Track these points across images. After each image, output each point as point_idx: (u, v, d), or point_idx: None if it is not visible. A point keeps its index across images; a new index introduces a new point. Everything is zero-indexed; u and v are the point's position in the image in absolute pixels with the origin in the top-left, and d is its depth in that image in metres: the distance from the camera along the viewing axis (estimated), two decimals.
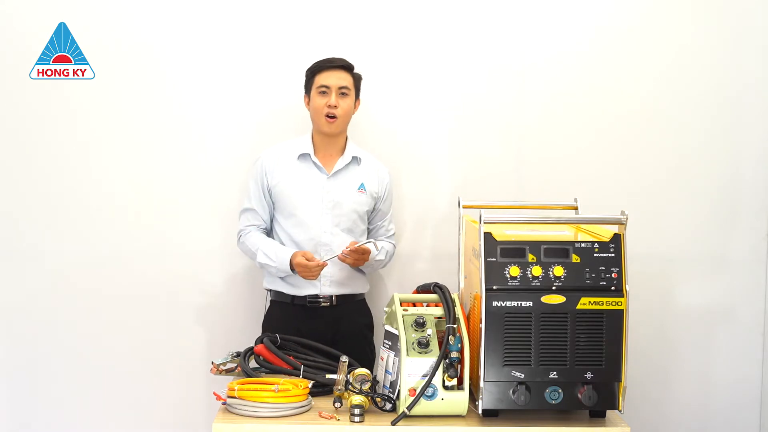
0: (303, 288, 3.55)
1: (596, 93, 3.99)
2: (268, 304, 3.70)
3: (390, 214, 3.74)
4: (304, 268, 3.43)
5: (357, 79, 3.62)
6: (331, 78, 3.54)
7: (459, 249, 3.32)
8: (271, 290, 3.66)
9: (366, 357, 3.53)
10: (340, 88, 3.54)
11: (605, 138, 4.00)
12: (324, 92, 3.53)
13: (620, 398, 2.86)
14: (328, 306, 3.58)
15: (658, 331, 4.03)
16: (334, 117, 3.53)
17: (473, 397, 2.90)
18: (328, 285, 3.56)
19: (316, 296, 3.56)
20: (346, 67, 3.59)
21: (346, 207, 3.57)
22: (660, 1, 3.99)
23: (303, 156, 3.60)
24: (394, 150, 3.97)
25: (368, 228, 3.70)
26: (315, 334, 3.45)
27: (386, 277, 4.00)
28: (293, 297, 3.57)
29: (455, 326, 2.90)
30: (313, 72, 3.59)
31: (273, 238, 3.63)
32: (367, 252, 3.47)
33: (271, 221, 3.65)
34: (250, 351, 3.19)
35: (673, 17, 3.98)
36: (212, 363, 3.21)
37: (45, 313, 3.98)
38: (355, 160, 3.63)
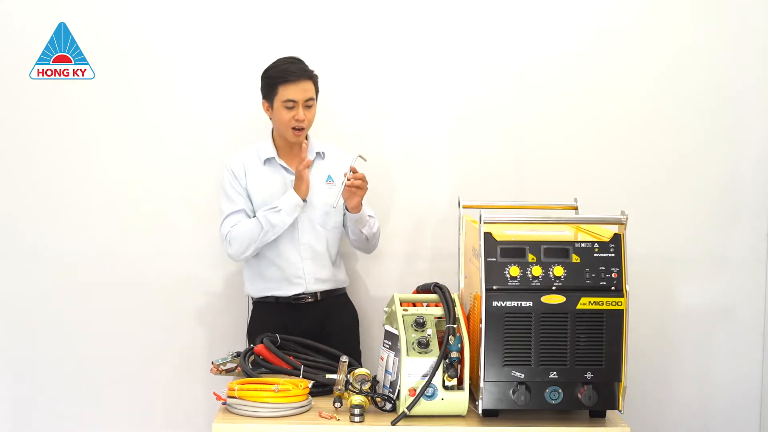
0: (287, 289, 3.55)
1: (596, 93, 3.99)
2: (251, 307, 3.69)
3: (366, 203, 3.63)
4: (299, 178, 3.45)
5: (317, 83, 3.55)
6: (296, 92, 3.46)
7: (459, 249, 3.32)
8: (253, 297, 3.65)
9: (356, 350, 3.62)
10: (307, 100, 3.49)
11: (605, 138, 4.00)
12: (290, 107, 3.47)
13: (620, 398, 2.86)
14: (314, 302, 3.58)
15: (658, 331, 4.03)
16: (301, 129, 3.51)
17: (473, 397, 2.90)
18: (312, 282, 3.56)
19: (300, 295, 3.56)
20: (309, 76, 3.51)
21: (317, 202, 3.56)
22: (660, 1, 3.99)
23: (268, 160, 3.59)
24: (394, 150, 3.98)
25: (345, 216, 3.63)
26: (302, 331, 3.45)
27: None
28: (277, 297, 3.57)
29: (455, 326, 2.90)
30: (274, 82, 3.49)
31: None
32: (359, 176, 3.39)
33: None
34: (250, 351, 3.19)
35: (672, 17, 3.98)
36: (212, 363, 3.21)
37: (45, 313, 3.98)
38: (319, 155, 3.63)
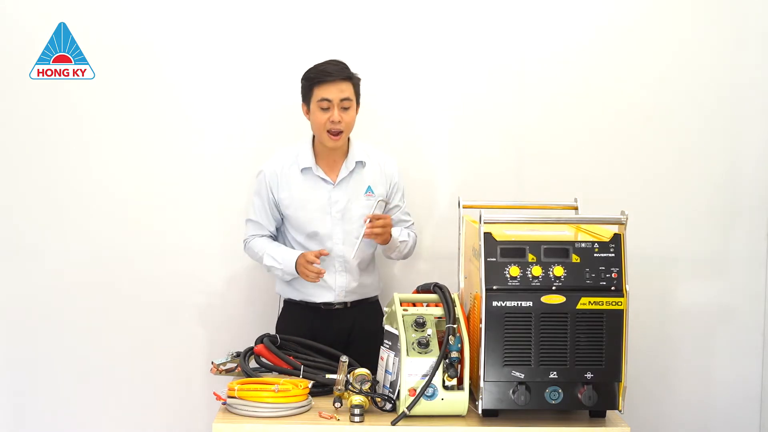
0: (316, 297, 3.54)
1: (596, 93, 3.99)
2: (282, 305, 3.68)
3: (404, 206, 3.65)
4: (303, 268, 3.41)
5: (357, 86, 3.46)
6: (331, 91, 3.37)
7: (459, 249, 3.32)
8: (282, 296, 3.66)
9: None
10: (342, 100, 3.38)
11: (605, 138, 4.00)
12: (325, 107, 3.39)
13: (620, 398, 2.86)
14: (342, 308, 3.57)
15: (658, 331, 4.03)
16: (338, 132, 3.41)
17: (473, 397, 2.90)
18: (343, 295, 3.55)
19: (329, 302, 3.55)
20: (347, 76, 3.42)
21: (355, 214, 3.50)
22: (659, 0, 3.99)
23: (306, 169, 3.51)
24: (393, 150, 3.96)
25: None
26: (330, 335, 3.46)
27: (388, 278, 4.00)
28: (307, 302, 3.56)
29: (455, 326, 2.90)
30: (310, 83, 3.41)
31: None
32: (383, 218, 3.39)
33: (277, 231, 3.61)
34: (250, 351, 3.19)
35: (672, 16, 3.98)
36: (212, 363, 3.21)
37: (45, 313, 3.98)
38: (360, 164, 3.55)
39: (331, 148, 3.46)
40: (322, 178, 3.50)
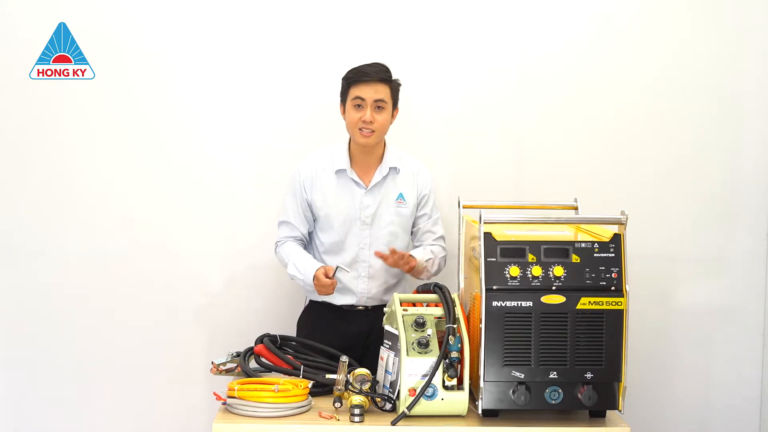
0: (337, 300, 3.53)
1: (596, 93, 3.99)
2: (306, 303, 3.68)
3: (435, 217, 3.62)
4: (318, 282, 3.39)
5: (395, 90, 3.46)
6: (366, 90, 3.38)
7: (459, 249, 3.32)
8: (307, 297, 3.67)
9: None
10: (376, 101, 3.39)
11: (605, 138, 4.00)
12: (359, 105, 3.39)
13: (620, 398, 2.86)
14: (364, 310, 3.56)
15: (658, 331, 4.03)
16: (370, 132, 3.41)
17: (473, 397, 2.90)
18: (365, 299, 3.54)
19: (351, 305, 3.56)
20: (383, 78, 3.42)
21: (384, 221, 3.50)
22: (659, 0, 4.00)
23: (340, 171, 3.50)
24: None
25: (412, 231, 3.61)
26: (352, 334, 3.48)
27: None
28: (329, 303, 3.56)
29: (455, 326, 2.90)
30: (348, 82, 3.43)
31: (312, 251, 3.59)
32: (405, 257, 3.38)
33: (310, 234, 3.60)
34: (250, 351, 3.19)
35: (672, 16, 3.98)
36: (212, 363, 3.21)
37: (45, 313, 3.98)
38: (393, 170, 3.53)
39: (362, 145, 3.45)
40: (355, 181, 3.49)
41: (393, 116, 3.50)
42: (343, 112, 3.47)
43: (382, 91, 3.40)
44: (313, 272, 3.39)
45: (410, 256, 3.43)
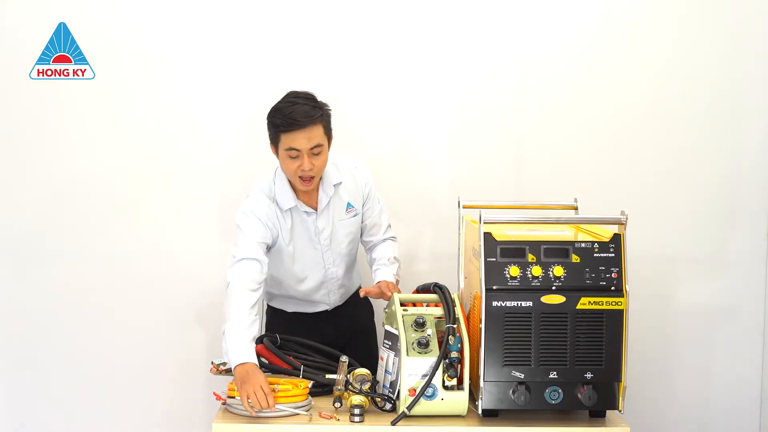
0: (308, 308, 3.51)
1: (596, 93, 3.99)
2: (265, 306, 3.63)
3: (380, 207, 3.49)
4: (249, 387, 2.86)
5: (327, 124, 3.18)
6: (299, 140, 3.09)
7: (459, 249, 3.32)
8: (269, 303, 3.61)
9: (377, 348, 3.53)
10: (312, 148, 3.12)
11: (605, 138, 4.00)
12: (294, 156, 3.13)
13: (620, 398, 2.86)
14: (330, 310, 3.55)
15: (658, 331, 4.03)
16: (311, 178, 3.18)
17: (473, 397, 2.90)
18: (333, 305, 3.52)
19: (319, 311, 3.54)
20: (314, 120, 3.12)
21: (341, 234, 3.40)
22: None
23: (291, 209, 3.30)
24: (394, 150, 3.97)
25: (361, 228, 3.50)
26: (321, 337, 3.42)
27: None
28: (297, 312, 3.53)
29: (455, 326, 2.90)
30: (277, 130, 3.14)
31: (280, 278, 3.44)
32: (390, 286, 3.31)
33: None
34: None
35: (671, 16, 3.98)
36: (212, 363, 3.20)
37: (45, 313, 3.98)
38: (336, 186, 3.35)
39: (305, 191, 3.28)
40: (306, 212, 3.32)
41: (329, 145, 3.24)
42: (275, 152, 3.22)
43: (316, 136, 3.12)
44: (241, 360, 2.94)
45: (393, 283, 3.36)
